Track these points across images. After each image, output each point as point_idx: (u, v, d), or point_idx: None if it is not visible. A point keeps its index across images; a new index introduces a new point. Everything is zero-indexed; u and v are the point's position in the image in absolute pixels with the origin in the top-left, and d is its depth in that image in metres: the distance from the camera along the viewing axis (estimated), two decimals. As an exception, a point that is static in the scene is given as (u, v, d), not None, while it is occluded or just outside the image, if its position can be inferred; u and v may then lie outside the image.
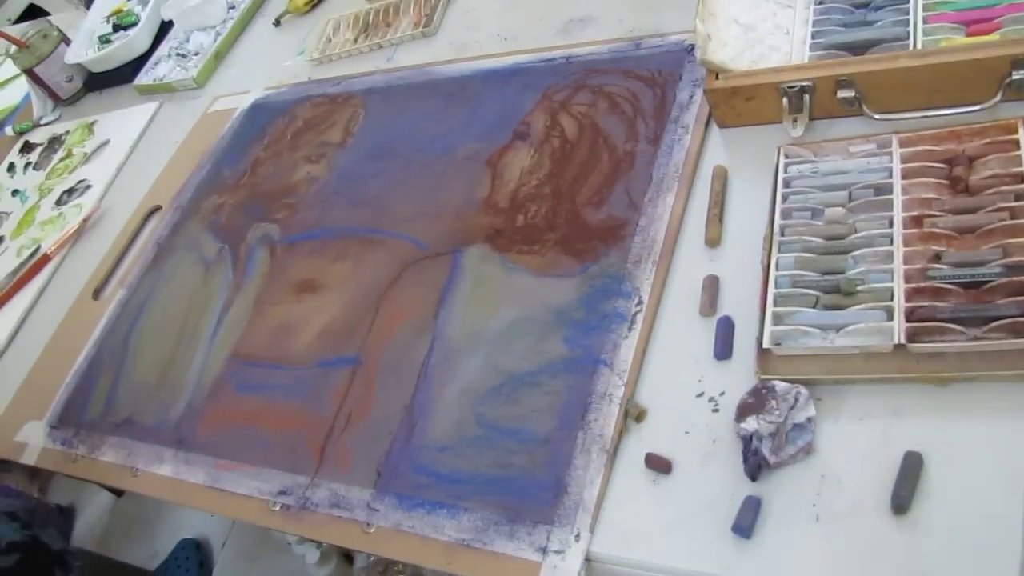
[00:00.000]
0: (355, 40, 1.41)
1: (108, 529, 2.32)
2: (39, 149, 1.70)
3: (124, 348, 1.19)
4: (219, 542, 2.20)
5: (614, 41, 1.12)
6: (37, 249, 1.45)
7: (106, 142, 1.59)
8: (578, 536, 0.75)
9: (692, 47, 1.02)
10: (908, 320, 0.72)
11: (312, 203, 1.19)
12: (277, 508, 0.90)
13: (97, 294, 1.30)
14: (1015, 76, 0.80)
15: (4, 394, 1.24)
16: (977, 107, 0.82)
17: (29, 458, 1.14)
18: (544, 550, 0.75)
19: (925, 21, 0.88)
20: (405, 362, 0.94)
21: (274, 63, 1.51)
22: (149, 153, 1.51)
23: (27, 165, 1.69)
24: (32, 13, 2.14)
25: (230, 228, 1.24)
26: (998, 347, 0.68)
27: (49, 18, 1.87)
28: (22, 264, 1.43)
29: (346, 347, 0.99)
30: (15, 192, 1.63)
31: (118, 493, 2.36)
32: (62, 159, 1.63)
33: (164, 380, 1.11)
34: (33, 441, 1.15)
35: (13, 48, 1.72)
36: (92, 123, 1.66)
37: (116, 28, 1.73)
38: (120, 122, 1.62)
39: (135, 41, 1.68)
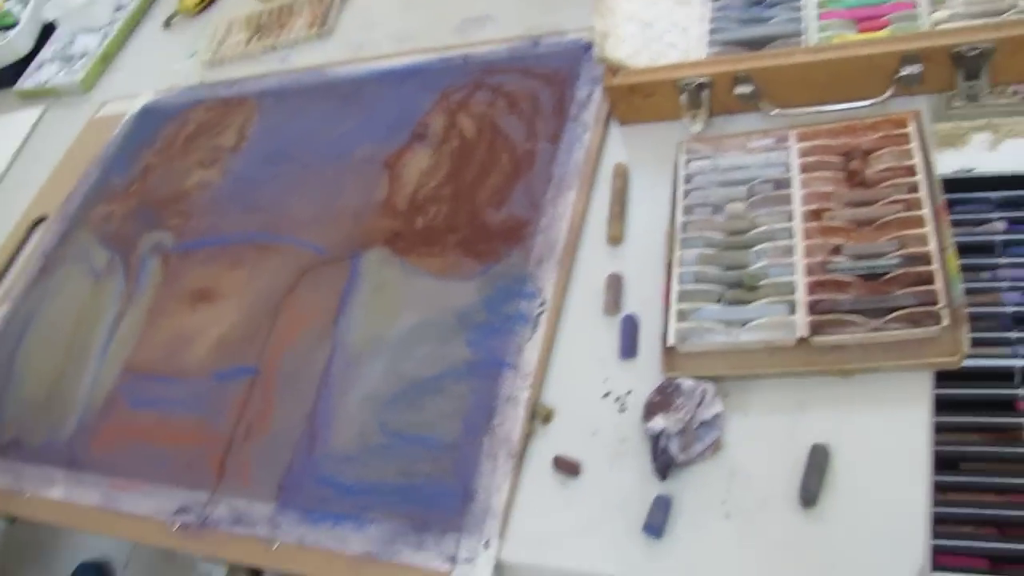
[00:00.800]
0: (248, 42, 1.37)
1: (1, 556, 2.23)
2: (-86, 159, 1.62)
3: (9, 365, 1.13)
4: (121, 563, 2.13)
5: (512, 40, 1.11)
6: (-87, 264, 1.38)
7: (-14, 150, 1.52)
8: (487, 543, 0.73)
9: (590, 45, 1.01)
10: (811, 313, 0.72)
11: (206, 209, 1.15)
12: (176, 527, 0.87)
13: (-21, 310, 1.24)
14: (904, 72, 0.81)
15: None
16: (870, 102, 0.83)
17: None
18: (454, 559, 0.73)
19: (818, 18, 0.89)
20: (305, 371, 0.91)
21: (164, 66, 1.46)
22: (33, 161, 1.45)
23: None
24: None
25: (121, 237, 1.19)
26: (898, 337, 0.69)
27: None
28: None
29: (244, 357, 0.96)
30: None
31: (10, 518, 2.27)
32: (-61, 169, 1.55)
33: (53, 397, 1.06)
34: (-89, 467, 1.09)
35: None
36: (-29, 130, 1.59)
37: (-5, 30, 1.66)
38: (1, 129, 1.55)
39: (15, 43, 1.61)
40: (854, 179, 0.80)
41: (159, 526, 0.88)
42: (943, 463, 0.68)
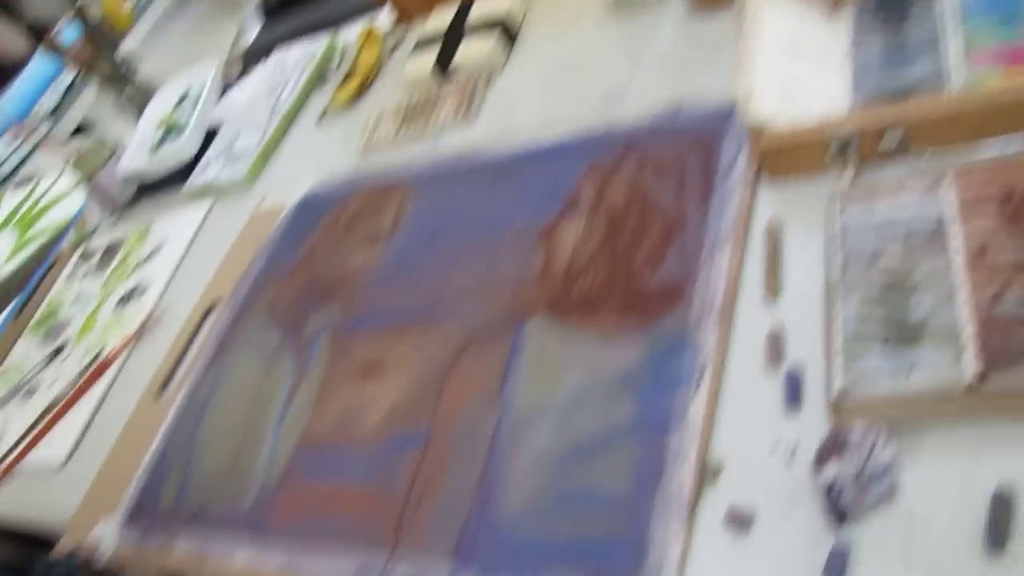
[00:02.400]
0: (398, 131, 1.44)
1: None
2: (97, 256, 1.75)
3: (191, 442, 1.20)
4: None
5: (654, 109, 1.14)
6: (100, 352, 1.48)
7: (162, 244, 1.63)
8: (663, 598, 0.74)
9: (733, 107, 1.03)
10: (979, 356, 0.71)
11: (369, 289, 1.21)
12: (356, 589, 0.90)
13: (161, 392, 1.32)
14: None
15: (75, 495, 1.26)
16: (1028, 139, 0.83)
17: (104, 555, 1.15)
18: (630, 613, 0.74)
19: (964, 60, 0.89)
20: (474, 436, 0.94)
21: (321, 158, 1.54)
22: (204, 252, 1.55)
23: (87, 272, 1.73)
24: (84, 129, 2.21)
25: (289, 318, 1.26)
26: (1075, 377, 0.68)
27: (103, 131, 1.94)
28: (85, 368, 1.46)
29: (414, 426, 1.00)
30: (76, 298, 1.67)
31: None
32: (119, 264, 1.67)
33: (234, 471, 1.12)
34: (107, 538, 1.16)
35: (71, 161, 1.78)
36: (147, 227, 1.70)
37: (166, 135, 1.79)
38: (174, 225, 1.66)
39: (184, 146, 1.73)
40: (1018, 218, 0.79)
41: (340, 589, 0.92)
42: None
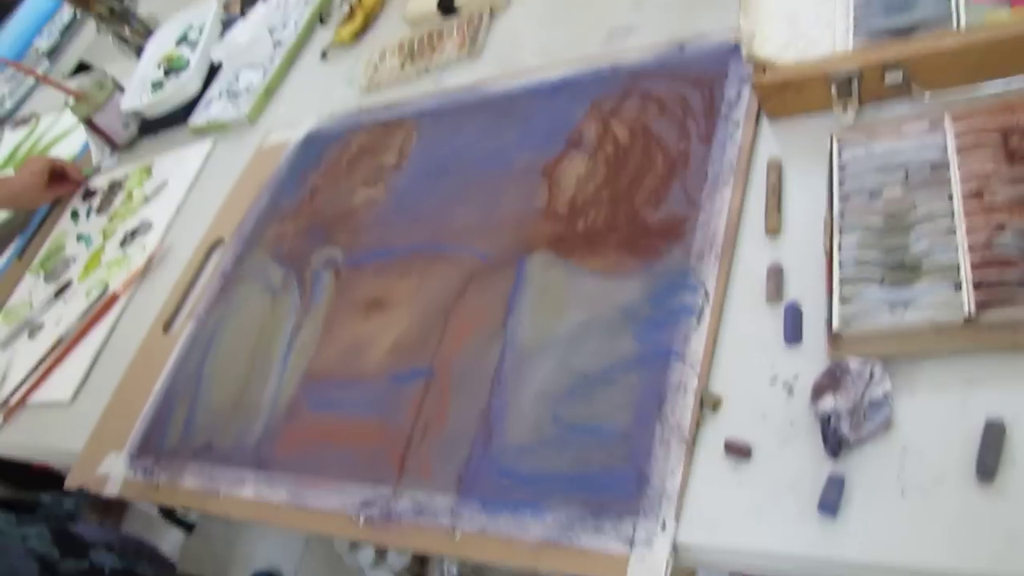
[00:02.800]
0: (402, 66, 1.44)
1: (180, 566, 2.36)
2: (100, 194, 1.75)
3: (198, 377, 1.22)
4: (291, 572, 2.23)
5: (658, 47, 1.14)
6: (105, 289, 1.49)
7: (165, 183, 1.63)
8: (664, 525, 0.76)
9: (737, 45, 1.03)
10: (977, 291, 0.73)
11: (373, 225, 1.22)
12: (362, 520, 0.92)
13: (167, 328, 1.34)
14: (1066, 46, 0.81)
15: (83, 430, 1.28)
16: (1028, 79, 0.83)
17: (112, 489, 1.17)
18: (631, 542, 0.76)
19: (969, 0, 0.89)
20: (478, 370, 0.96)
21: (324, 95, 1.54)
22: (207, 190, 1.55)
23: (89, 211, 1.74)
24: (84, 68, 2.20)
25: (294, 255, 1.27)
26: (1070, 311, 0.69)
27: (103, 68, 1.93)
28: (92, 305, 1.48)
29: (418, 360, 1.01)
30: (80, 237, 1.68)
31: (188, 529, 2.41)
32: (123, 202, 1.68)
33: (240, 405, 1.13)
34: (115, 472, 1.19)
35: (71, 100, 1.78)
36: (150, 166, 1.71)
37: (168, 73, 1.78)
38: (177, 163, 1.66)
39: (187, 84, 1.73)
40: (1015, 157, 0.79)
41: (345, 519, 0.94)
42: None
